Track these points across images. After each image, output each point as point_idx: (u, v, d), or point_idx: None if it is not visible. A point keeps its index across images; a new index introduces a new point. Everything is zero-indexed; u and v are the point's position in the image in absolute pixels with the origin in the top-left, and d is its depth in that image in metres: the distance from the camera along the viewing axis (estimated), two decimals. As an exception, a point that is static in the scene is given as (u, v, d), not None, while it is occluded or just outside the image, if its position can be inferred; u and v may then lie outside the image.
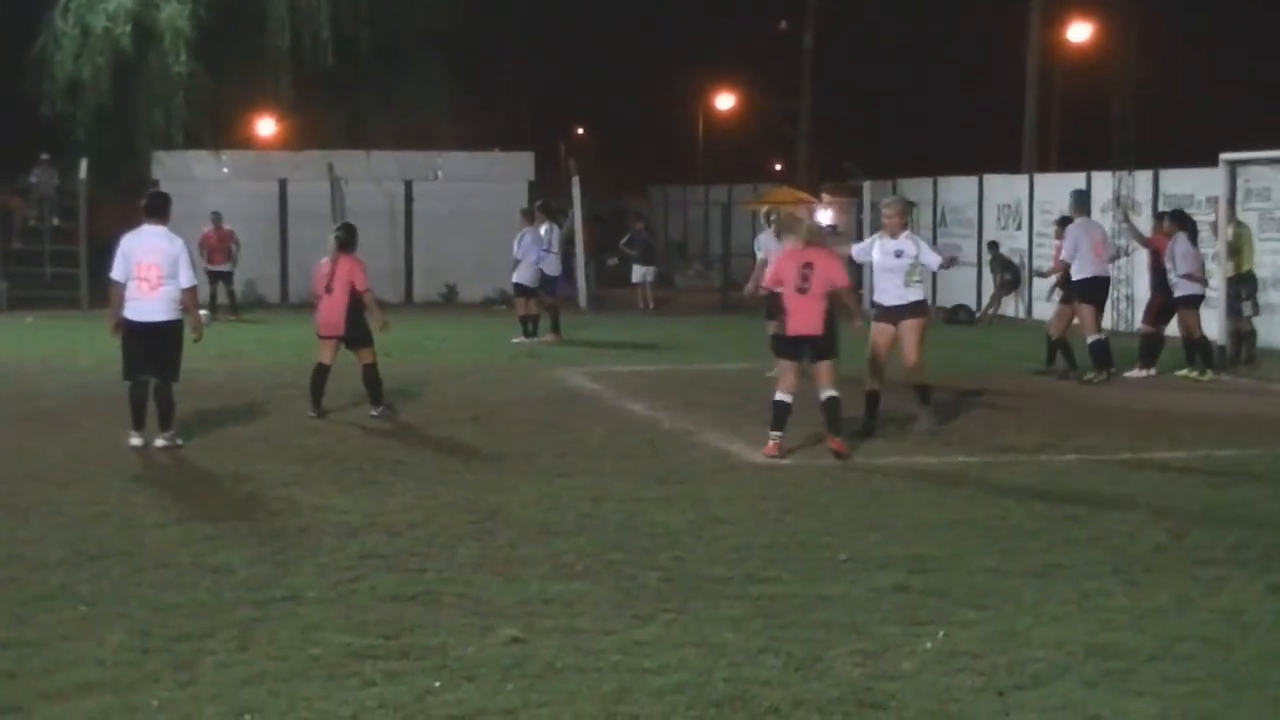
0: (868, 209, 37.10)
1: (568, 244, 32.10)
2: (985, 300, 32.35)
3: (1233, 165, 23.07)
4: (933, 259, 16.55)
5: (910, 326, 15.86)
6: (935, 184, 36.28)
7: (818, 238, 15.45)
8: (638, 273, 36.50)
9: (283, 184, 36.40)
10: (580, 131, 63.66)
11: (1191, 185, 26.71)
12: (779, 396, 14.79)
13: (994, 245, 32.22)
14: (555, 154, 47.97)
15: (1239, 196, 24.33)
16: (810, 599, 9.42)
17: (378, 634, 8.61)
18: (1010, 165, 39.20)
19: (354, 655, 8.22)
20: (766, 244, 21.64)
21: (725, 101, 61.60)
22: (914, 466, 14.35)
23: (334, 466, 14.14)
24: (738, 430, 16.15)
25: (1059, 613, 9.13)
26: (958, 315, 31.49)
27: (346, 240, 17.45)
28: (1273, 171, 24.65)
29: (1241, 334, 22.47)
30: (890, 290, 16.07)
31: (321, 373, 17.15)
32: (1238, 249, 22.26)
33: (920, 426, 15.86)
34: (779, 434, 14.73)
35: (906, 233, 16.19)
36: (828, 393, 14.75)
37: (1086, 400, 18.66)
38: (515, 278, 26.36)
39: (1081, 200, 22.00)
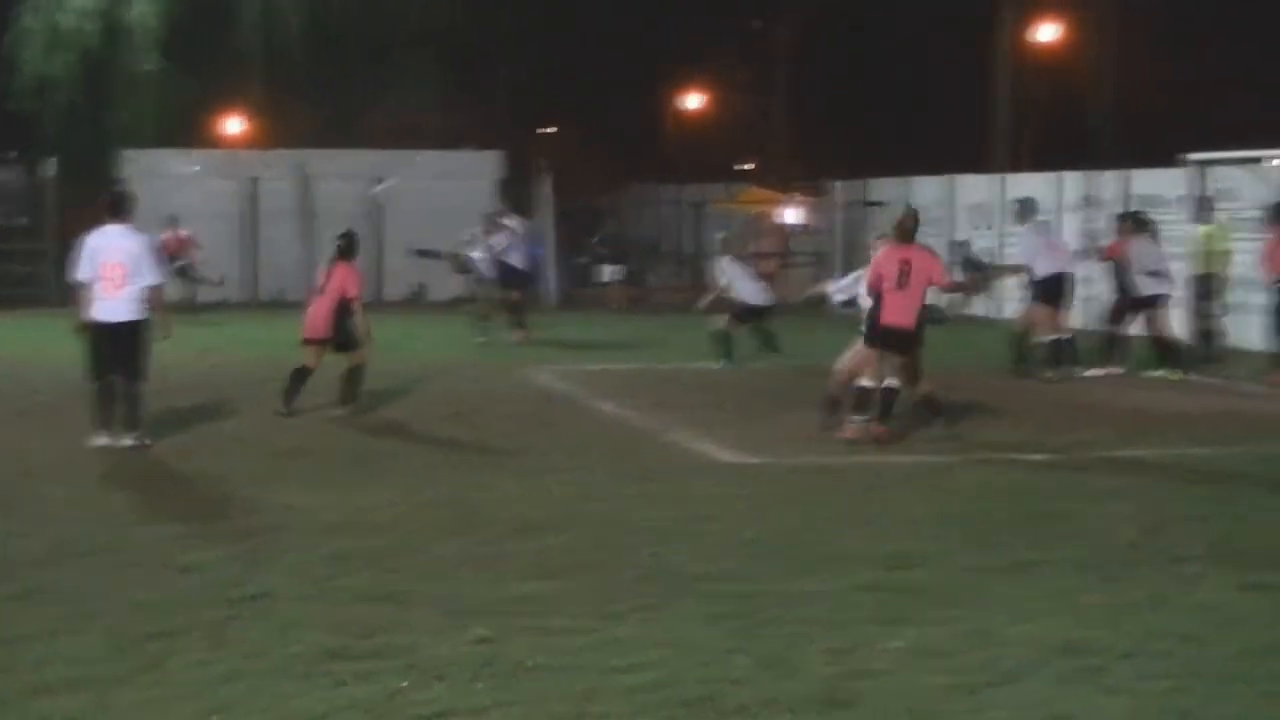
0: (840, 209, 37.31)
1: (535, 241, 32.00)
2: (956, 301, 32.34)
3: (1200, 166, 23.20)
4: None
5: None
6: (907, 184, 36.33)
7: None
8: (607, 271, 36.48)
9: (254, 182, 36.28)
10: (555, 129, 63.59)
11: (1161, 186, 26.78)
12: (864, 383, 15.31)
13: (963, 245, 32.20)
14: (531, 152, 47.93)
15: (1207, 198, 24.44)
16: (785, 597, 9.43)
17: (350, 633, 8.59)
18: (981, 165, 39.30)
19: (326, 654, 8.21)
20: (730, 270, 21.97)
21: (697, 100, 61.48)
22: (894, 464, 14.38)
23: (309, 465, 14.12)
24: (712, 429, 16.16)
25: (1034, 610, 9.16)
26: (929, 315, 31.49)
27: (346, 249, 17.48)
28: (1240, 172, 24.76)
29: (1210, 333, 22.58)
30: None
31: (301, 374, 17.14)
32: (1211, 249, 22.34)
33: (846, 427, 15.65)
34: (862, 418, 15.24)
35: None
36: (891, 382, 15.30)
37: (1067, 399, 18.71)
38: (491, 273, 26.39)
39: (1027, 207, 22.06)
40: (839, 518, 11.91)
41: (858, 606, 9.24)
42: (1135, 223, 21.81)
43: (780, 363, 21.97)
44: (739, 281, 22.56)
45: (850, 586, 9.69)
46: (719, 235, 24.81)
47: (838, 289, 17.91)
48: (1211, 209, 23.38)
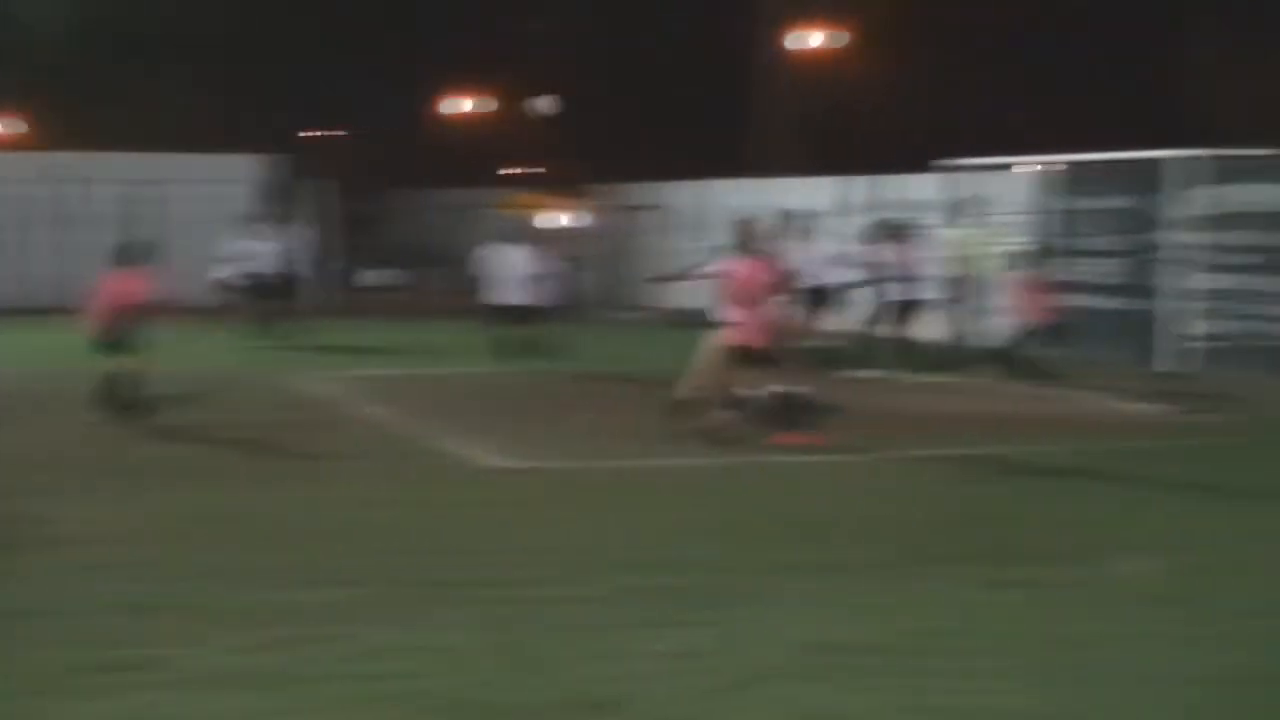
0: (609, 213, 37.45)
1: (304, 246, 31.60)
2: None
3: (953, 172, 23.82)
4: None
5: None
6: (667, 189, 36.65)
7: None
8: (377, 276, 36.20)
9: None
10: (331, 133, 62.85)
11: (916, 191, 27.40)
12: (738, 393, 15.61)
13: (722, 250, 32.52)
14: (306, 156, 47.32)
15: (960, 203, 25.18)
16: (550, 601, 9.48)
17: (100, 645, 8.42)
18: (740, 170, 39.77)
19: (69, 669, 8.04)
20: (494, 260, 21.83)
21: (473, 103, 61.34)
22: (662, 468, 14.51)
23: (66, 474, 13.78)
24: (483, 434, 16.15)
25: (793, 610, 9.32)
26: (681, 318, 31.88)
27: (124, 255, 17.53)
28: (990, 177, 25.47)
29: (964, 336, 23.20)
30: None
31: (105, 379, 16.99)
32: (965, 253, 22.94)
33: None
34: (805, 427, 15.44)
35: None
36: (773, 389, 15.53)
37: (845, 402, 18.90)
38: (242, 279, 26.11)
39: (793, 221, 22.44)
40: (608, 522, 11.98)
41: (621, 610, 9.31)
42: (893, 229, 22.37)
43: (559, 366, 21.98)
44: (504, 274, 22.28)
45: (615, 590, 9.75)
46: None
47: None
48: (966, 214, 24.09)
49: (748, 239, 16.13)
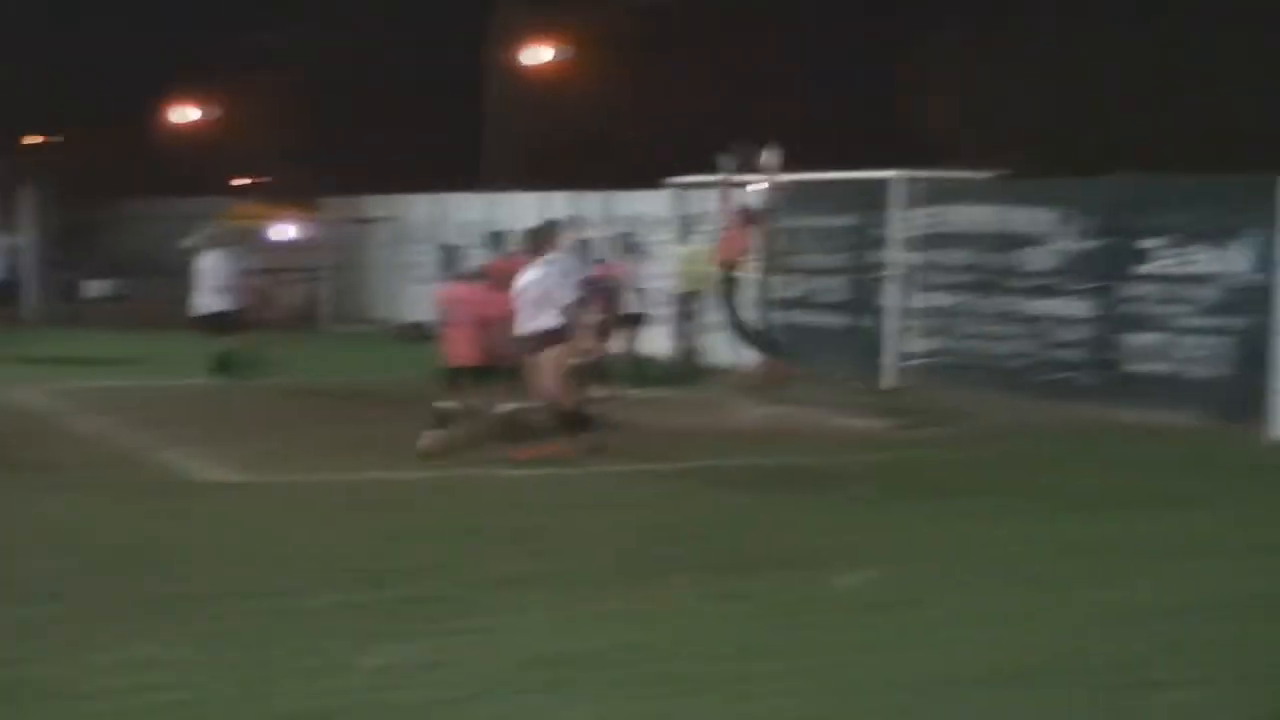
0: (336, 226, 37.12)
1: (23, 255, 30.78)
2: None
3: (680, 188, 24.02)
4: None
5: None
6: (398, 201, 36.46)
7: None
8: (100, 286, 35.40)
9: None
10: (55, 139, 61.23)
11: (644, 207, 27.65)
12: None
13: (455, 250, 32.08)
14: (23, 161, 46.03)
15: (688, 219, 25.45)
16: (271, 615, 9.39)
17: None
18: (472, 184, 39.80)
19: None
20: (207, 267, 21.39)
21: (200, 112, 60.38)
22: (387, 481, 14.44)
23: None
24: (203, 446, 15.95)
25: (516, 623, 9.33)
26: (410, 331, 31.85)
27: None
28: (718, 194, 25.77)
29: (692, 350, 23.42)
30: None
31: None
32: (692, 269, 23.11)
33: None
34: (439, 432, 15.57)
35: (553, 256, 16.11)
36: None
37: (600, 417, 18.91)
38: None
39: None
40: (328, 535, 11.88)
41: (342, 623, 9.25)
42: (623, 244, 22.51)
43: (278, 378, 21.62)
44: (205, 283, 21.86)
45: (334, 604, 9.68)
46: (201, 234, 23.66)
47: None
48: (696, 229, 24.35)
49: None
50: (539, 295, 15.63)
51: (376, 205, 36.80)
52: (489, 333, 15.85)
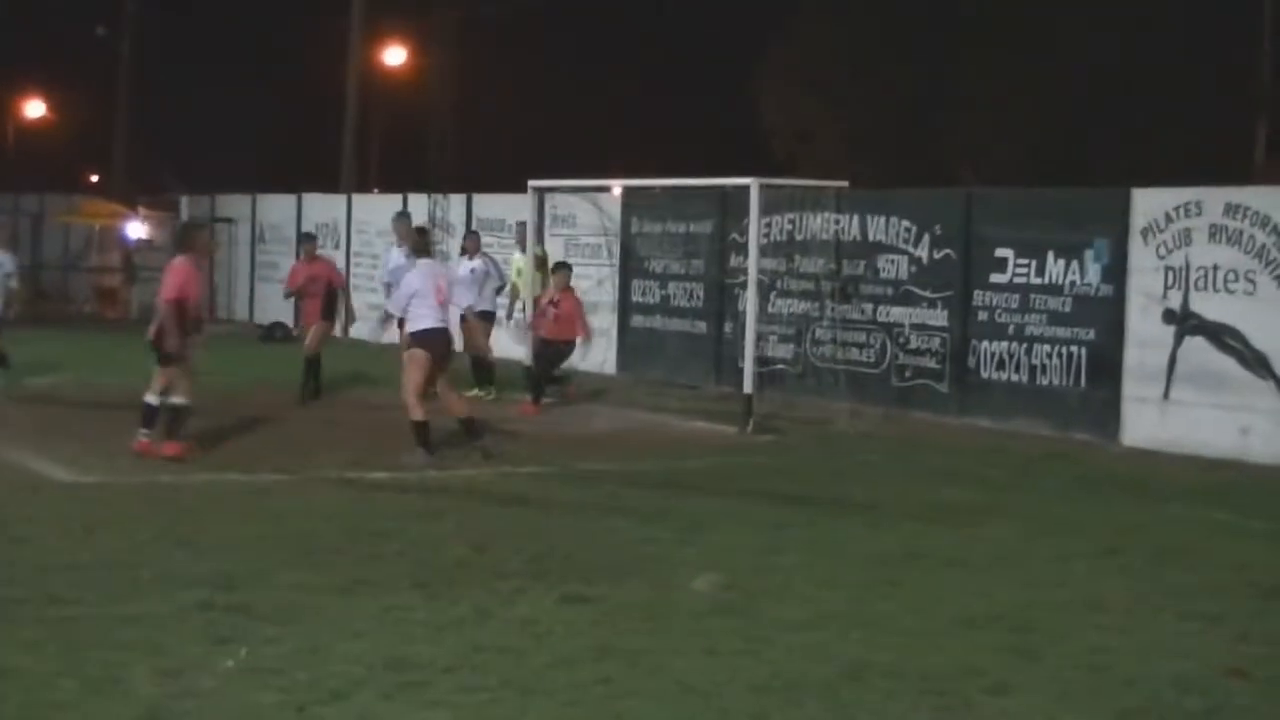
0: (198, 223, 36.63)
1: None
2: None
3: (540, 192, 23.97)
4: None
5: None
6: (254, 201, 36.24)
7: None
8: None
9: None
10: None
11: (502, 210, 27.59)
12: (152, 400, 15.29)
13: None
14: None
15: (547, 222, 25.43)
16: (112, 619, 9.27)
17: None
18: (329, 185, 39.56)
19: None
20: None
21: (39, 107, 59.54)
22: (226, 484, 14.33)
23: None
24: (43, 448, 15.73)
25: (362, 628, 9.28)
26: (273, 333, 31.60)
27: None
28: (577, 199, 25.80)
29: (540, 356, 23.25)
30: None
31: None
32: (540, 273, 22.94)
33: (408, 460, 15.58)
34: (149, 431, 15.28)
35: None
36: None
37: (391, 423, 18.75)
38: None
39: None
40: (168, 538, 11.75)
41: (186, 627, 9.16)
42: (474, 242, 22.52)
43: (117, 381, 21.10)
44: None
45: (179, 607, 9.59)
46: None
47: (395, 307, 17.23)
48: (545, 234, 24.36)
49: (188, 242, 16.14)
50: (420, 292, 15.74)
51: (231, 205, 36.44)
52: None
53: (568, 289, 20.72)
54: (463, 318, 17.50)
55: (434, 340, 15.73)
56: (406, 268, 17.56)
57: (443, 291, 15.96)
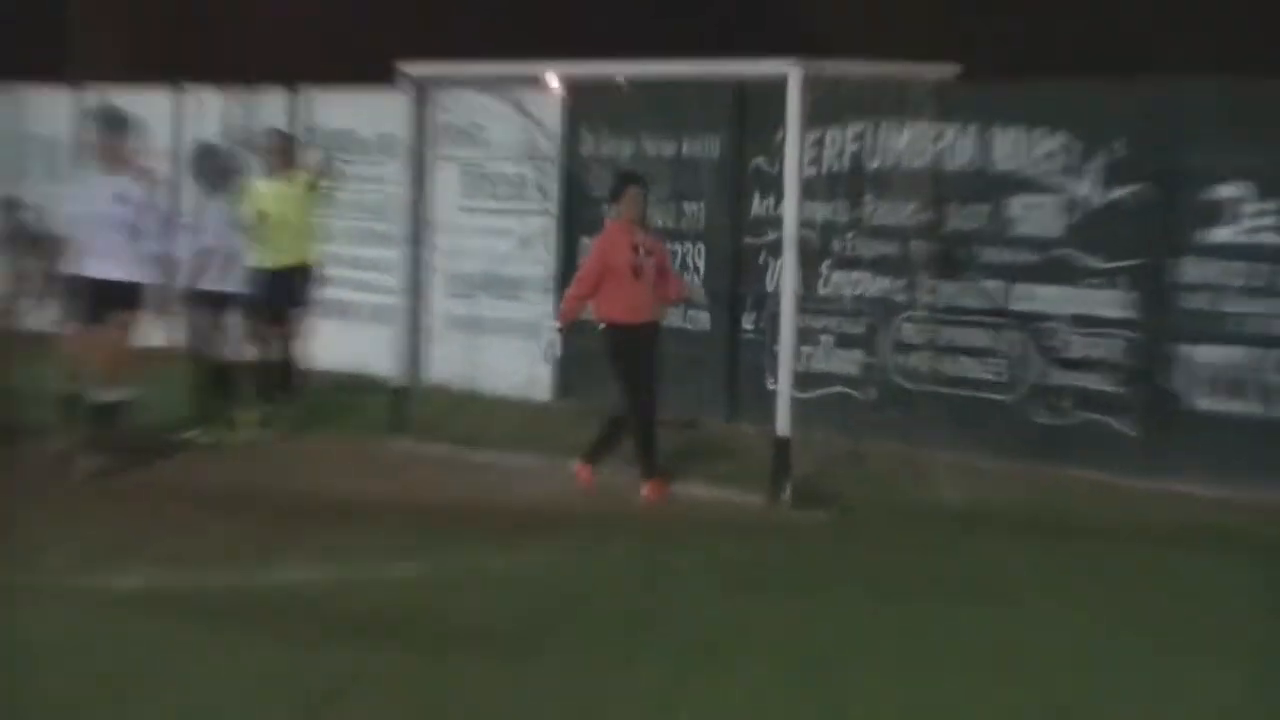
0: None
1: None
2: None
3: (421, 85, 15.27)
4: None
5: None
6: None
7: None
8: None
9: None
10: None
11: (350, 116, 19.12)
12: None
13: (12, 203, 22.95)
14: None
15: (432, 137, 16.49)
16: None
17: None
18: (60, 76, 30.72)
19: None
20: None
21: None
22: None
23: None
24: None
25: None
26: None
27: None
28: (487, 99, 16.80)
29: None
30: None
31: None
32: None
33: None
34: None
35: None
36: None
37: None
38: None
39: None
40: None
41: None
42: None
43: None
44: None
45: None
46: None
47: None
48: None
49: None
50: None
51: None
52: None
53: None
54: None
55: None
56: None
57: None
